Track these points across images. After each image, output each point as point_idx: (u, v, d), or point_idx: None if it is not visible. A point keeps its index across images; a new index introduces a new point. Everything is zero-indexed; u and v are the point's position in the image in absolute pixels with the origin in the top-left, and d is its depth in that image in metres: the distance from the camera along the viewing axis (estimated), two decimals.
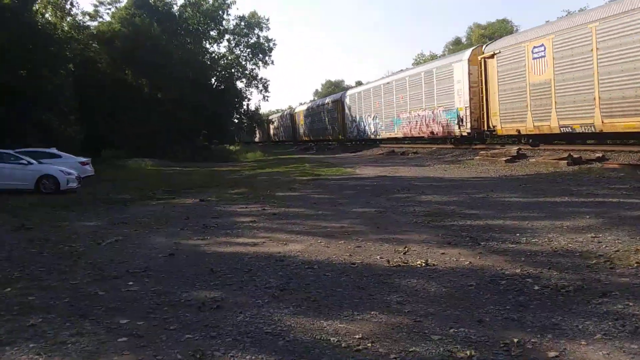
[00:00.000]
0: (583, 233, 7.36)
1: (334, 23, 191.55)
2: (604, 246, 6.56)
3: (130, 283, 6.07)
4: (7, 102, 25.58)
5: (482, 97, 23.72)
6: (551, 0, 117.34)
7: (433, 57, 63.86)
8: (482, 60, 23.64)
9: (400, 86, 32.54)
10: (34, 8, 31.07)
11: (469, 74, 24.45)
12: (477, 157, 21.14)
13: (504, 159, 19.20)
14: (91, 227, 10.33)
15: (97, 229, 9.93)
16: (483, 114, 23.88)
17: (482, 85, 23.80)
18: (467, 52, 25.59)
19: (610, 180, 12.92)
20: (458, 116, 25.65)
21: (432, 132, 28.69)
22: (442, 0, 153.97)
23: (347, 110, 43.00)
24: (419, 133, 30.18)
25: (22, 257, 7.68)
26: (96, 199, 15.09)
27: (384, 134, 35.90)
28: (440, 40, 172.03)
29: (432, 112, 28.25)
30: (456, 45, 66.34)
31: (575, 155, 16.80)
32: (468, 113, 24.80)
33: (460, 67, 25.34)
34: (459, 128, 25.77)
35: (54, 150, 21.05)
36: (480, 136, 24.88)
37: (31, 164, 17.43)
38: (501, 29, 60.71)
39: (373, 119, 37.26)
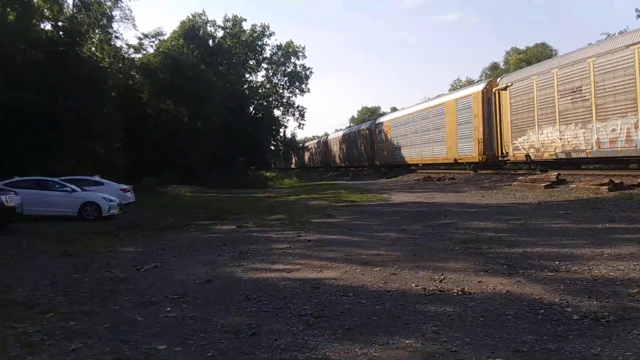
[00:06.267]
0: (624, 261, 7.18)
1: (368, 50, 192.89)
2: None
3: (168, 309, 6.18)
4: (55, 132, 26.53)
5: None
6: (590, 23, 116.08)
7: (470, 82, 63.37)
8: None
9: None
10: (84, 43, 32.46)
11: None
12: (515, 183, 20.80)
13: (543, 184, 18.84)
14: (131, 253, 10.57)
15: (137, 255, 10.15)
16: None
17: None
18: None
19: None
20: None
21: None
22: (478, 26, 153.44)
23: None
24: None
25: (65, 282, 7.90)
26: (136, 225, 15.44)
27: None
28: (478, 65, 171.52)
29: None
30: (493, 71, 65.55)
31: (616, 181, 16.39)
32: None
33: None
34: None
35: (97, 178, 21.71)
36: None
37: (75, 191, 17.99)
38: (539, 54, 59.30)
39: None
